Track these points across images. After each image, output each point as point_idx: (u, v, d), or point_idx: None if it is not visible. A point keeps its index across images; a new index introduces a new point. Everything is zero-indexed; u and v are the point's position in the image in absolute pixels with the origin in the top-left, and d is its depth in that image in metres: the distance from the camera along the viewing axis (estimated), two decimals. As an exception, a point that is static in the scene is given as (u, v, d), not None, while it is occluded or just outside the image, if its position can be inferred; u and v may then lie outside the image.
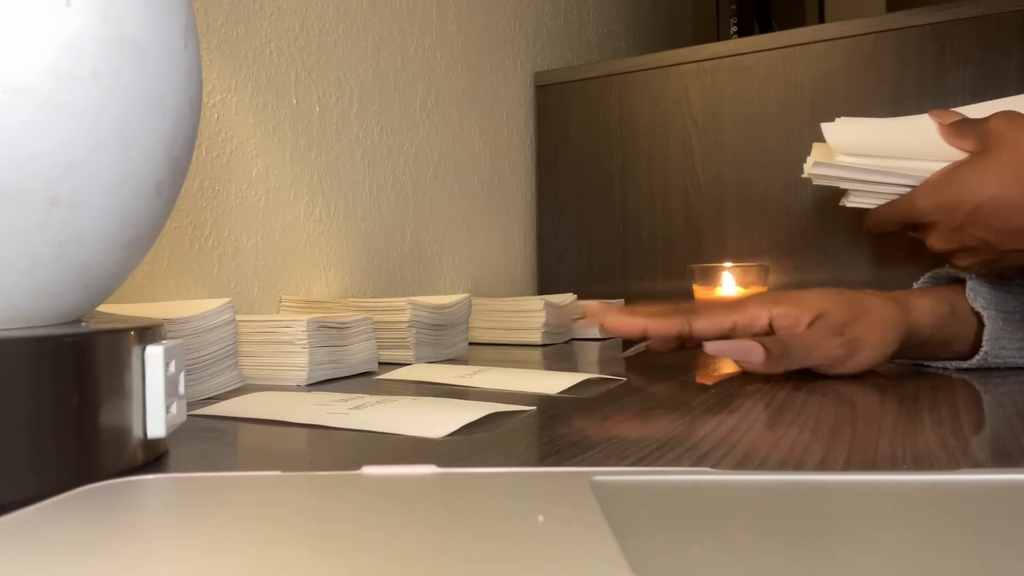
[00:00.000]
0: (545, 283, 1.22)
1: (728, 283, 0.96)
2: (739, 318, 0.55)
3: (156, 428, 0.30)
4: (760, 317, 0.55)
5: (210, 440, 0.37)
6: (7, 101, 0.25)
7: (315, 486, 0.24)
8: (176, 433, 0.36)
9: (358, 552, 0.18)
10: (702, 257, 1.08)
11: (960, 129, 0.60)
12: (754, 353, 0.52)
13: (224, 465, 0.33)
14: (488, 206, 1.13)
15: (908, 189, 0.62)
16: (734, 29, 1.95)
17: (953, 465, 0.30)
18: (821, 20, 2.49)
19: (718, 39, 1.88)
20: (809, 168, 0.68)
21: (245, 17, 0.72)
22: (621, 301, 1.08)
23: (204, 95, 0.67)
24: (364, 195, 0.88)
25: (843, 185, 0.68)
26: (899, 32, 0.98)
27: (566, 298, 0.95)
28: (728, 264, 0.98)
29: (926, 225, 0.60)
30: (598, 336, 0.98)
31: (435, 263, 1.00)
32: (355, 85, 0.86)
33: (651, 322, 0.56)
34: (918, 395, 0.47)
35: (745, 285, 0.96)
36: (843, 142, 0.66)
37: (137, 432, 0.30)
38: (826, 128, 0.67)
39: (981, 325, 0.56)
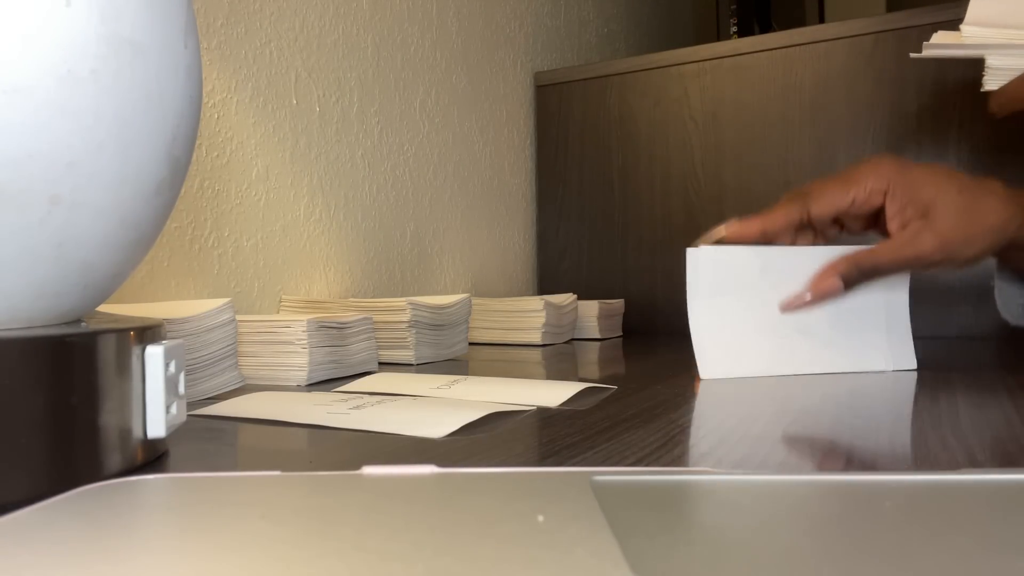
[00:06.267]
0: (545, 283, 1.22)
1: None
2: (856, 193, 0.56)
3: (156, 428, 0.30)
4: (876, 194, 0.55)
5: (210, 440, 0.37)
6: (7, 101, 0.25)
7: (315, 486, 0.24)
8: (176, 433, 0.36)
9: (358, 552, 0.18)
10: (702, 257, 1.08)
11: None
12: (832, 290, 0.54)
13: (224, 465, 0.33)
14: (488, 206, 1.13)
15: None
16: (734, 29, 1.95)
17: (953, 465, 0.30)
18: (821, 20, 2.49)
19: (718, 39, 1.88)
20: (928, 50, 0.63)
21: (245, 17, 0.72)
22: (621, 302, 1.08)
23: (204, 95, 0.67)
24: (364, 195, 0.88)
25: (973, 54, 0.62)
26: (899, 32, 0.98)
27: (566, 298, 0.95)
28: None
29: None
30: (598, 336, 0.98)
31: (435, 263, 1.00)
32: (355, 85, 0.86)
33: (768, 220, 0.58)
34: (918, 395, 0.47)
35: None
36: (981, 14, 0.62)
37: (137, 432, 0.30)
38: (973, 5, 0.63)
39: None
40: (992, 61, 0.60)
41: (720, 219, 1.10)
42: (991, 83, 0.61)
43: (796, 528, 0.20)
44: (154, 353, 0.30)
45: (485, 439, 0.36)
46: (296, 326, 0.56)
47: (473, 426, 0.38)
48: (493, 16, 1.14)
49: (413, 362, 0.68)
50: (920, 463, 0.30)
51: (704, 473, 0.25)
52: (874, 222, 0.58)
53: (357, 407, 0.42)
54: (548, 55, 1.31)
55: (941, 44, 0.62)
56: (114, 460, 0.28)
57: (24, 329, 0.28)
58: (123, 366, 0.29)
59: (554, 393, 0.47)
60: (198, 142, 0.67)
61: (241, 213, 0.71)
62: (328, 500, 0.22)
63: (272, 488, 0.24)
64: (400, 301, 0.69)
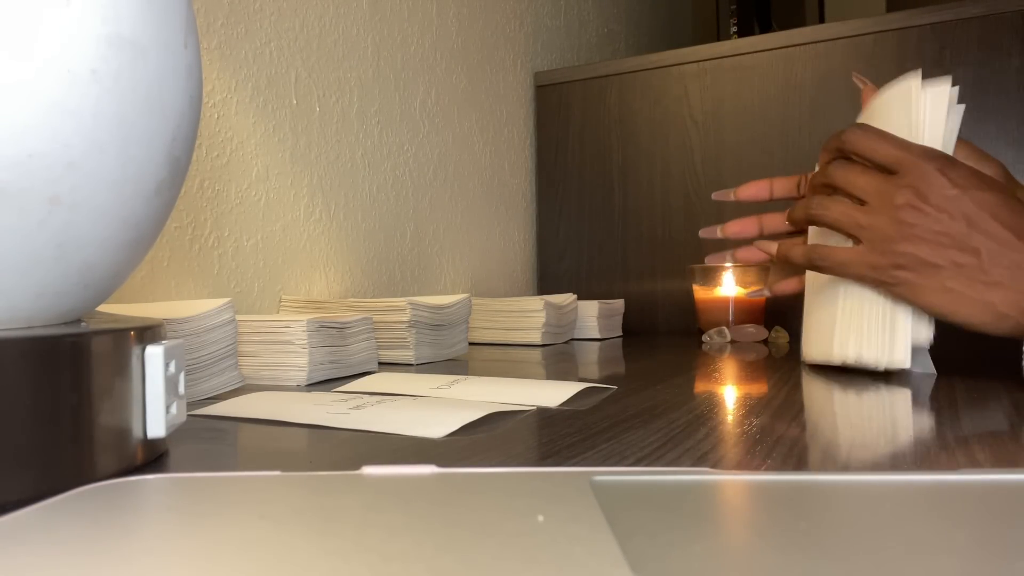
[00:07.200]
0: (545, 283, 1.22)
1: (728, 283, 0.96)
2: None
3: (156, 428, 0.30)
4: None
5: (210, 440, 0.37)
6: (7, 101, 0.25)
7: (315, 486, 0.24)
8: (176, 433, 0.37)
9: (358, 552, 0.18)
10: (702, 257, 1.08)
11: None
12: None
13: (224, 465, 0.33)
14: (488, 206, 1.13)
15: None
16: (734, 29, 1.95)
17: (953, 465, 0.30)
18: (821, 20, 2.49)
19: (718, 39, 1.88)
20: None
21: (245, 17, 0.72)
22: (621, 302, 1.08)
23: (204, 95, 0.67)
24: (364, 195, 0.88)
25: None
26: (899, 32, 0.98)
27: (566, 298, 0.95)
28: (728, 264, 0.97)
29: (896, 170, 0.53)
30: (598, 336, 0.98)
31: (435, 263, 1.00)
32: (355, 85, 0.86)
33: (765, 217, 0.71)
34: (918, 395, 0.47)
35: (745, 285, 0.96)
36: None
37: (137, 432, 0.30)
38: None
39: None
40: None
41: (720, 219, 1.10)
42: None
43: (796, 528, 0.20)
44: (154, 353, 0.30)
45: (485, 439, 0.36)
46: (296, 326, 0.56)
47: (473, 426, 0.38)
48: (493, 16, 1.14)
49: (413, 362, 0.68)
50: (920, 463, 0.30)
51: (704, 473, 0.25)
52: None
53: (357, 407, 0.42)
54: (548, 55, 1.31)
55: None
56: (114, 460, 0.28)
57: (24, 329, 0.28)
58: (123, 366, 0.29)
59: (554, 393, 0.47)
60: (198, 142, 0.67)
61: (241, 213, 0.71)
62: (328, 500, 0.22)
63: (272, 488, 0.24)
64: (400, 301, 0.69)
